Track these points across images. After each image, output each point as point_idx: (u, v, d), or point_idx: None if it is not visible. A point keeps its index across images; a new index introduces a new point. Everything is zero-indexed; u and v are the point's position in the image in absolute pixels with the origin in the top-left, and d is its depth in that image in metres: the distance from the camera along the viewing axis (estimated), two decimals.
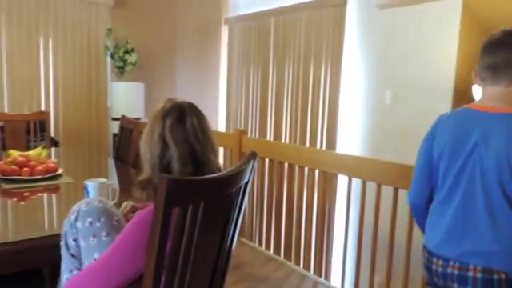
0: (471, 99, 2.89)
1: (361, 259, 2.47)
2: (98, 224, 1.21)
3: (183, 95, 4.95)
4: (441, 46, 3.27)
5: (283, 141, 4.27)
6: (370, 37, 3.72)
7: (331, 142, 3.82)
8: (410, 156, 3.15)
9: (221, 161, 3.46)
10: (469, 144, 1.26)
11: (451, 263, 1.28)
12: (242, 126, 4.77)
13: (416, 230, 2.19)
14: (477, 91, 2.85)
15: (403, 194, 2.21)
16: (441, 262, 1.31)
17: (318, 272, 2.82)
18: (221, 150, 3.46)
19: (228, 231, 1.26)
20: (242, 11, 4.81)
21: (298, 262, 2.93)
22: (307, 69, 4.02)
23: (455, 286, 1.27)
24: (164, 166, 1.17)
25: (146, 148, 1.20)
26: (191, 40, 5.29)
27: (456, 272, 1.27)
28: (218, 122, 5.17)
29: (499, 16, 3.19)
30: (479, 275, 1.22)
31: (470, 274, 1.24)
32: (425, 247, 1.40)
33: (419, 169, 1.47)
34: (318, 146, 3.91)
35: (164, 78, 5.26)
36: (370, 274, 2.42)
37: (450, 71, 3.21)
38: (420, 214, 1.50)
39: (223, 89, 5.12)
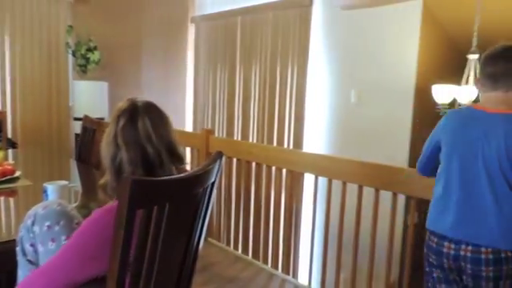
0: (431, 99, 3.00)
1: (327, 256, 2.51)
2: (56, 228, 1.16)
3: (149, 94, 4.86)
4: (402, 47, 3.37)
5: (251, 140, 4.28)
6: (334, 37, 3.78)
7: (298, 141, 3.86)
8: (374, 154, 3.24)
9: (188, 161, 3.42)
10: (474, 137, 1.46)
11: (463, 246, 1.43)
12: (210, 126, 4.74)
13: (381, 227, 2.25)
14: (436, 92, 2.96)
15: (368, 191, 2.27)
16: (453, 246, 1.45)
17: (285, 270, 2.84)
18: (188, 150, 3.42)
19: (195, 232, 1.24)
20: (209, 10, 4.78)
21: (266, 261, 2.94)
22: (274, 69, 4.04)
23: (468, 266, 1.42)
24: (116, 169, 1.12)
25: (103, 150, 1.16)
26: (157, 38, 5.20)
27: (469, 254, 1.41)
28: (185, 122, 5.11)
29: (458, 18, 3.33)
30: (491, 256, 1.38)
31: (483, 256, 1.39)
32: (433, 232, 1.53)
33: (427, 149, 1.66)
34: (286, 146, 3.94)
35: (129, 76, 5.15)
36: (336, 271, 2.46)
37: (411, 72, 3.32)
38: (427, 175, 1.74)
39: (190, 88, 5.07)
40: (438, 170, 1.58)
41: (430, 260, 1.56)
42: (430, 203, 1.63)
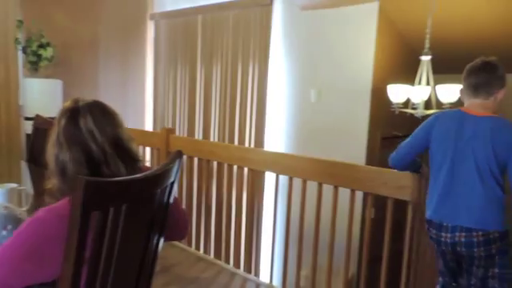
0: (387, 98, 3.10)
1: (288, 253, 2.54)
2: (4, 232, 1.10)
3: (106, 93, 4.72)
4: (360, 48, 3.46)
5: (212, 139, 4.25)
6: (295, 37, 3.83)
7: (259, 140, 3.88)
8: (333, 152, 3.31)
9: (148, 160, 3.35)
10: (467, 136, 1.73)
11: (457, 233, 1.72)
12: (170, 125, 4.67)
13: (340, 223, 2.30)
14: (392, 91, 3.06)
15: (328, 189, 2.31)
16: (449, 234, 1.74)
17: (247, 269, 2.85)
18: (147, 150, 3.35)
19: (154, 233, 1.22)
20: (169, 7, 4.70)
21: (227, 261, 2.93)
22: (235, 68, 4.04)
23: (463, 249, 1.72)
24: (60, 169, 1.08)
25: (48, 152, 1.12)
26: (115, 35, 5.05)
27: (463, 240, 1.71)
28: (145, 122, 5.00)
29: (412, 20, 3.46)
30: (481, 238, 1.68)
31: (475, 239, 1.69)
32: (432, 222, 1.81)
33: (414, 140, 1.90)
34: (247, 144, 3.95)
35: (85, 74, 4.96)
36: (297, 268, 2.50)
37: (368, 72, 3.42)
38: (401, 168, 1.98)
39: (150, 87, 4.96)
40: (434, 167, 1.82)
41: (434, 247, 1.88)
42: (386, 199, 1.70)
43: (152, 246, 1.23)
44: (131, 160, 1.16)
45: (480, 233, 1.68)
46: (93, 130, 1.09)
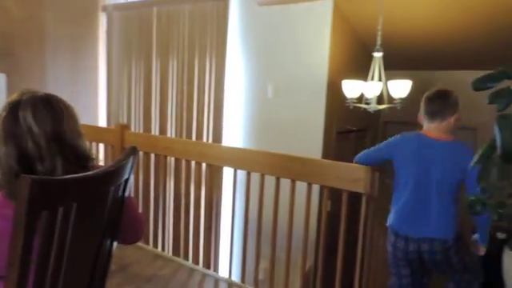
0: (342, 93, 3.18)
1: (247, 248, 2.55)
2: None
3: (56, 88, 4.50)
4: (315, 44, 3.52)
5: (169, 135, 4.18)
6: (252, 32, 3.83)
7: (217, 135, 3.86)
8: (291, 147, 3.36)
9: (101, 157, 3.25)
10: (424, 158, 2.00)
11: (422, 243, 2.02)
12: (125, 121, 4.54)
13: (297, 216, 2.34)
14: (346, 87, 3.14)
15: (285, 183, 2.34)
16: (415, 245, 2.03)
17: (206, 265, 2.84)
18: (101, 147, 3.24)
19: (107, 232, 1.18)
20: None
21: (186, 257, 2.90)
22: (192, 62, 3.98)
23: (426, 255, 2.03)
24: None
25: None
26: (64, 27, 4.82)
27: (427, 248, 2.01)
28: (99, 117, 4.83)
29: (364, 17, 3.55)
30: (440, 247, 1.99)
31: (436, 248, 2.00)
32: (399, 235, 2.09)
33: (378, 152, 2.18)
34: (205, 140, 3.92)
35: (32, 68, 4.71)
36: (256, 262, 2.51)
37: (324, 67, 3.49)
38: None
39: (103, 82, 4.79)
40: (398, 182, 2.11)
41: (397, 255, 2.12)
42: (348, 194, 1.74)
43: (106, 244, 1.20)
44: (77, 158, 1.11)
45: (440, 241, 2.00)
46: (31, 124, 1.05)
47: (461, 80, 2.82)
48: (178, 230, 2.97)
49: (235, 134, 3.95)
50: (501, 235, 3.64)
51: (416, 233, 2.03)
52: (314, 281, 2.62)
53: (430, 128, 2.06)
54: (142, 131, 4.38)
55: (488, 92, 0.98)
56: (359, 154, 2.21)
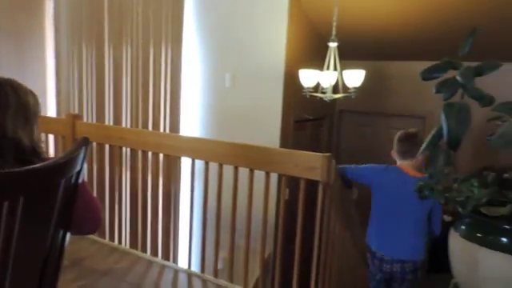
0: (299, 82, 3.21)
1: (206, 238, 2.54)
2: None
3: None
4: (272, 33, 3.53)
5: (124, 125, 4.06)
6: (208, 21, 3.77)
7: (174, 125, 3.80)
8: (249, 136, 3.37)
9: (51, 149, 3.11)
10: (401, 190, 2.37)
11: (395, 264, 2.43)
12: (77, 111, 4.36)
13: (256, 205, 2.36)
14: (303, 76, 3.18)
15: (244, 172, 2.35)
16: (389, 265, 2.46)
17: (165, 256, 2.80)
18: (51, 138, 3.10)
19: (58, 225, 1.13)
20: None
21: (144, 249, 2.85)
22: (147, 49, 3.87)
23: (399, 275, 2.44)
24: None
25: None
26: (7, 10, 4.53)
27: (399, 269, 2.43)
28: (48, 107, 4.60)
29: (320, 7, 3.60)
30: (411, 267, 2.41)
31: (407, 269, 2.41)
32: (376, 254, 2.51)
33: (363, 173, 2.55)
34: (162, 130, 3.84)
35: None
36: (215, 251, 2.52)
37: (281, 57, 3.51)
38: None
39: (51, 69, 4.55)
40: (378, 207, 2.52)
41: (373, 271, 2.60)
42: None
43: (58, 237, 1.15)
44: (16, 151, 1.05)
45: (411, 263, 2.42)
46: None
47: (412, 70, 2.93)
48: (135, 223, 2.91)
49: (193, 124, 3.91)
50: (447, 218, 3.87)
51: (391, 254, 2.46)
52: (273, 268, 2.67)
53: (404, 165, 2.47)
54: (94, 121, 4.23)
55: (436, 82, 1.03)
56: (346, 166, 2.56)
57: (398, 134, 2.50)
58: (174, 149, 2.62)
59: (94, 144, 2.91)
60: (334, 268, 2.57)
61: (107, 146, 2.92)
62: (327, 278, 2.44)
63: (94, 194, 3.02)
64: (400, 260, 2.42)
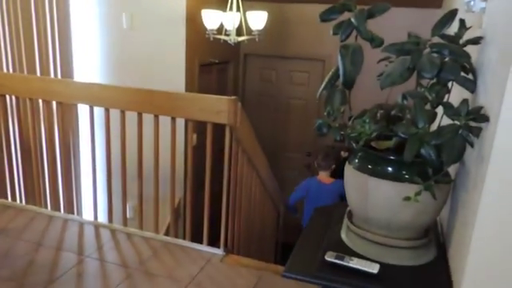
0: (202, 25, 3.11)
1: (112, 188, 2.46)
2: None
3: None
4: None
5: (5, 71, 3.59)
6: None
7: (67, 70, 3.47)
8: (152, 81, 3.22)
9: None
10: (322, 192, 3.40)
11: None
12: None
13: (164, 152, 2.32)
14: (205, 17, 3.07)
15: (148, 118, 2.27)
16: None
17: (68, 209, 2.67)
18: None
19: None
20: None
21: (44, 205, 2.68)
22: None
23: None
24: None
25: None
26: None
27: None
28: None
29: None
30: None
31: None
32: None
33: (299, 193, 3.63)
34: (53, 76, 3.49)
35: None
36: (123, 201, 2.46)
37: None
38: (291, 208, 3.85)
39: None
40: (307, 204, 3.53)
41: None
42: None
43: None
44: None
45: None
46: None
47: (311, 12, 3.00)
48: (30, 177, 2.69)
49: (91, 71, 3.61)
50: (344, 154, 4.25)
51: None
52: (184, 214, 2.71)
53: (322, 175, 3.52)
54: None
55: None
56: (288, 198, 3.69)
57: (319, 153, 3.62)
58: (69, 96, 2.42)
59: None
60: (243, 207, 2.69)
61: None
62: (237, 218, 2.56)
63: None
64: None
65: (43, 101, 2.51)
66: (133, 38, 3.49)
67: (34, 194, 2.69)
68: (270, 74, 4.89)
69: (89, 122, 2.40)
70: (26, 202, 2.72)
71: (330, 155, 3.56)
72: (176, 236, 2.43)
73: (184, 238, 2.39)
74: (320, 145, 4.63)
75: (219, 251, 2.25)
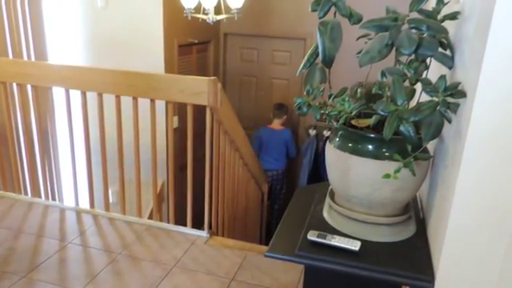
0: (180, 4, 3.03)
1: (92, 173, 2.42)
2: None
3: None
4: None
5: None
6: None
7: (40, 52, 3.35)
8: (130, 63, 3.14)
9: None
10: (272, 138, 4.28)
11: (275, 172, 4.38)
12: None
13: (144, 135, 2.29)
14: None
15: (126, 100, 2.22)
16: (271, 173, 4.33)
17: (48, 196, 2.62)
18: None
19: None
20: None
21: (23, 191, 2.62)
22: None
23: (275, 177, 4.39)
24: None
25: None
26: None
27: (275, 177, 4.39)
28: None
29: None
30: (281, 176, 4.44)
31: (280, 176, 4.45)
32: (267, 170, 4.23)
33: (256, 144, 4.22)
34: (26, 58, 3.37)
35: None
36: (104, 186, 2.43)
37: None
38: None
39: None
40: (262, 148, 4.29)
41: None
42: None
43: None
44: None
45: (280, 171, 4.33)
46: None
47: None
48: (6, 163, 2.62)
49: (64, 50, 3.49)
50: (327, 133, 4.27)
51: (271, 168, 4.28)
52: (168, 197, 2.69)
53: (274, 123, 4.27)
54: None
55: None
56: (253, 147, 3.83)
57: (274, 104, 4.32)
58: (43, 79, 2.34)
59: None
60: (227, 189, 2.69)
61: None
62: (221, 200, 2.56)
63: None
64: (275, 170, 4.32)
65: (17, 84, 2.42)
66: (108, 17, 3.38)
67: (12, 180, 2.63)
68: (252, 54, 4.83)
69: (65, 105, 2.34)
70: (4, 190, 2.66)
71: (284, 106, 4.28)
72: (160, 220, 2.42)
73: (168, 222, 2.39)
74: (303, 123, 4.64)
75: (203, 233, 2.26)
